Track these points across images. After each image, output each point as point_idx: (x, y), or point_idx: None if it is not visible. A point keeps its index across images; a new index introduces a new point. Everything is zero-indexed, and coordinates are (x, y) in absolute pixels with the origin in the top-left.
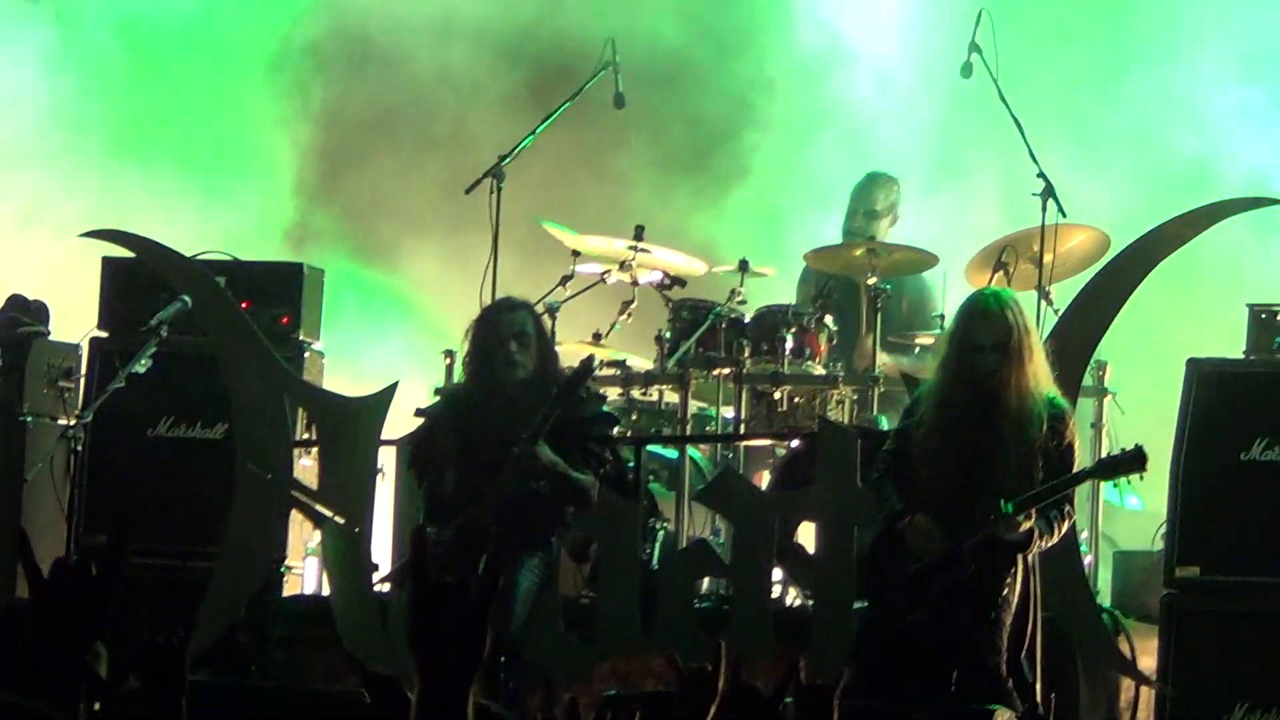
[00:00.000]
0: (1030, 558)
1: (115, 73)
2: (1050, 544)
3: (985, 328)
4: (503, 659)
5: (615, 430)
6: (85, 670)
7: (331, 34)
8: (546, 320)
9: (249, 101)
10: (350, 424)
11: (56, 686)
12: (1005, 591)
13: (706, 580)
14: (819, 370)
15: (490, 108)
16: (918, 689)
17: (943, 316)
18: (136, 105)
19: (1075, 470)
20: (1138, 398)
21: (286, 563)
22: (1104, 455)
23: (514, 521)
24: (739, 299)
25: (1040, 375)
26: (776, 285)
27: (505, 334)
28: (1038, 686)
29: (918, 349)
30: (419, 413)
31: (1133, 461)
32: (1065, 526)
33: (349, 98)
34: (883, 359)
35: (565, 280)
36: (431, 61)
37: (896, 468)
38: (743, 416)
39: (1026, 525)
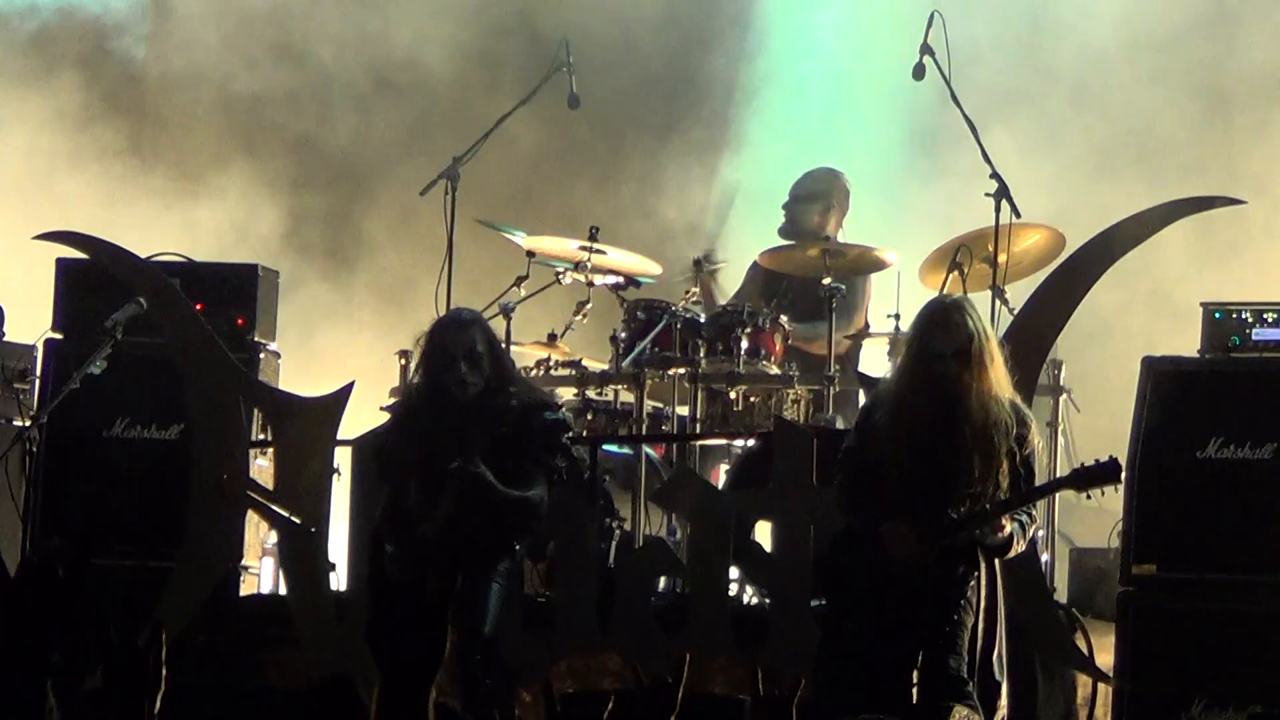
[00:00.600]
0: (995, 561)
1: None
2: (1019, 550)
3: (945, 336)
4: (478, 658)
5: (569, 434)
6: (52, 669)
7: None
8: (500, 323)
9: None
10: (306, 424)
11: (20, 684)
12: (969, 594)
13: (663, 579)
14: (774, 370)
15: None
16: (877, 693)
17: (897, 316)
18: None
19: (1049, 479)
20: (1094, 396)
21: (243, 562)
22: (1080, 465)
23: (475, 527)
24: (693, 299)
25: (1002, 380)
26: (730, 282)
27: (455, 353)
28: (1004, 687)
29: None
30: (386, 409)
31: (1107, 473)
32: (1031, 532)
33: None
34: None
35: (520, 281)
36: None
37: (858, 470)
38: (699, 416)
39: (1008, 529)
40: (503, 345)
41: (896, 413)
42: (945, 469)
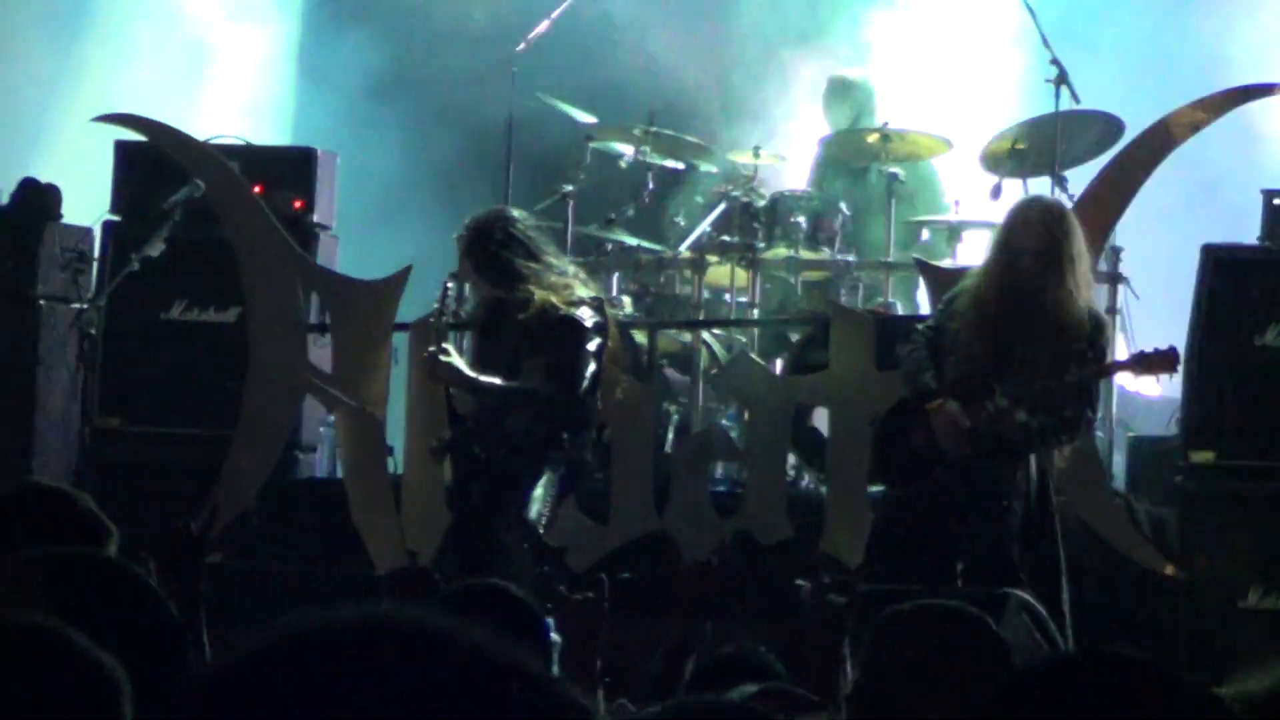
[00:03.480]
0: (1045, 456)
1: None
2: (1066, 443)
3: (1028, 234)
4: (525, 545)
5: (593, 323)
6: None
7: None
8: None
9: None
10: (364, 308)
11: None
12: (1017, 479)
13: (720, 465)
14: (833, 256)
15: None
16: (926, 573)
17: (957, 203)
18: None
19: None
20: (1152, 283)
21: (301, 445)
22: (1139, 350)
23: (494, 416)
24: (752, 184)
25: (1082, 284)
26: (788, 171)
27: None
28: (1064, 578)
29: (926, 233)
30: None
31: (1165, 360)
32: (1085, 426)
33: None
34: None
35: (578, 165)
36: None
37: (930, 345)
38: (757, 301)
39: (1020, 418)
40: (534, 246)
41: (976, 302)
42: (1012, 361)
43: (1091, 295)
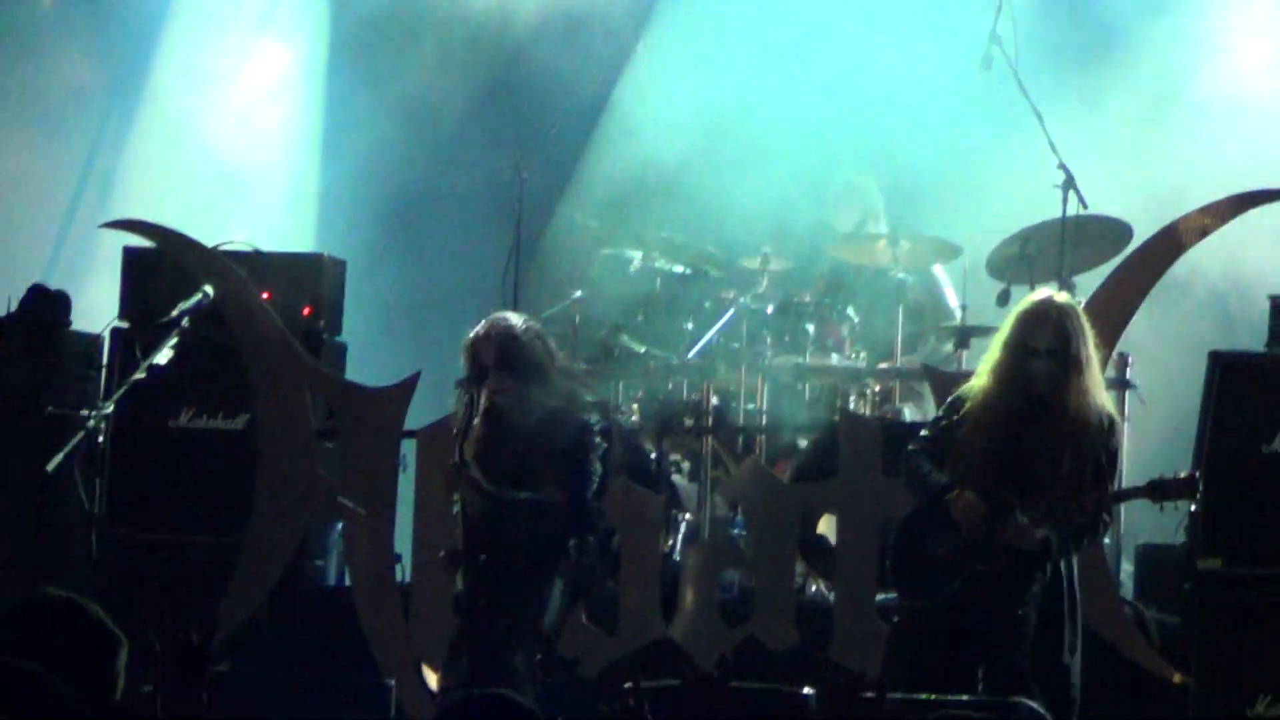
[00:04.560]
0: (1072, 565)
1: None
2: (1079, 554)
3: (1042, 333)
4: (539, 657)
5: (600, 428)
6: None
7: None
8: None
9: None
10: (372, 414)
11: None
12: (1035, 588)
13: (728, 572)
14: (841, 362)
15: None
16: (944, 681)
17: (964, 308)
18: None
19: (1120, 484)
20: (1160, 391)
21: (310, 553)
22: (1159, 477)
23: (508, 526)
24: (760, 290)
25: (1096, 382)
26: (795, 278)
27: (485, 363)
28: (1076, 685)
29: (932, 341)
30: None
31: (1183, 488)
32: (1103, 532)
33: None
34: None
35: (586, 270)
36: None
37: (936, 454)
38: (764, 408)
39: (1040, 534)
40: (539, 345)
41: (985, 404)
42: (1029, 465)
43: (1104, 397)
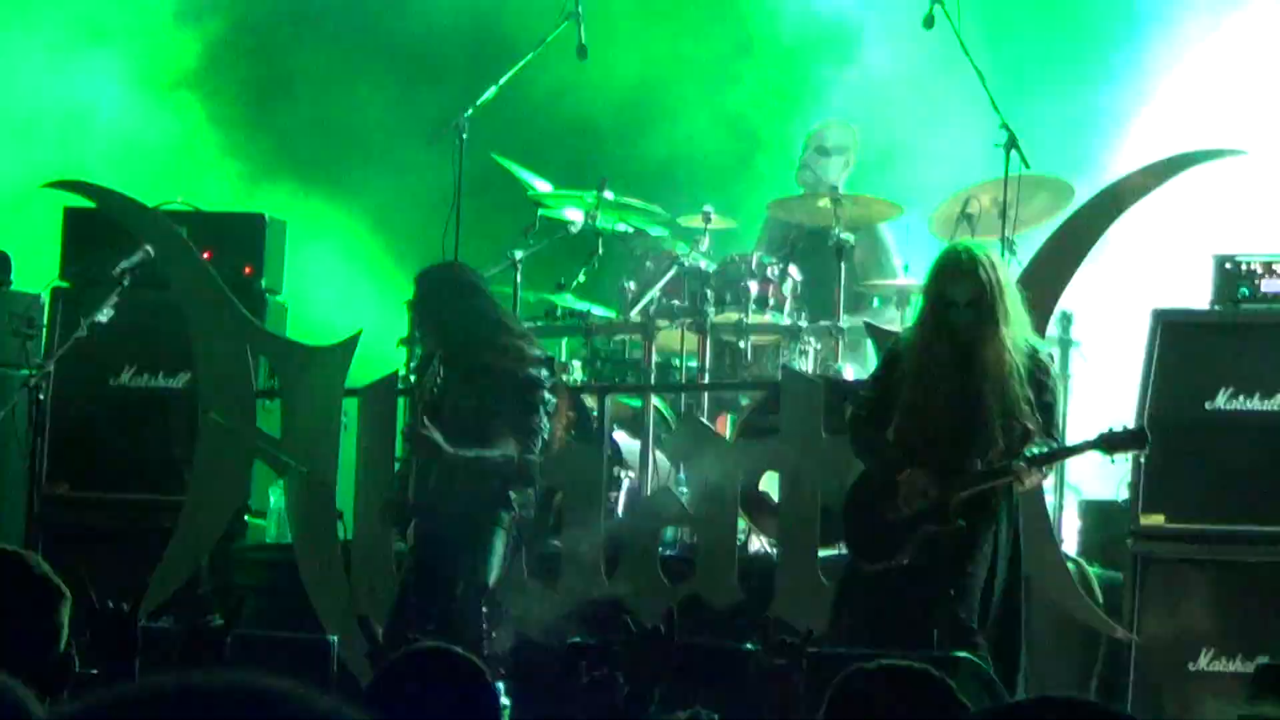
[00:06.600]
0: (1015, 516)
1: None
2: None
3: (957, 284)
4: (485, 610)
5: (544, 389)
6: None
7: None
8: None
9: None
10: (314, 373)
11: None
12: (984, 546)
13: (670, 529)
14: (783, 320)
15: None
16: (896, 641)
17: (908, 268)
18: None
19: (1068, 441)
20: (1102, 348)
21: (249, 511)
22: (1108, 430)
23: (456, 484)
24: (702, 248)
25: (1018, 328)
26: (738, 236)
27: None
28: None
29: (876, 300)
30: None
31: (1133, 440)
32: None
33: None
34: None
35: (528, 230)
36: None
37: (878, 416)
38: (707, 366)
39: (1034, 479)
40: (484, 299)
41: (917, 360)
42: (964, 416)
43: (1035, 343)
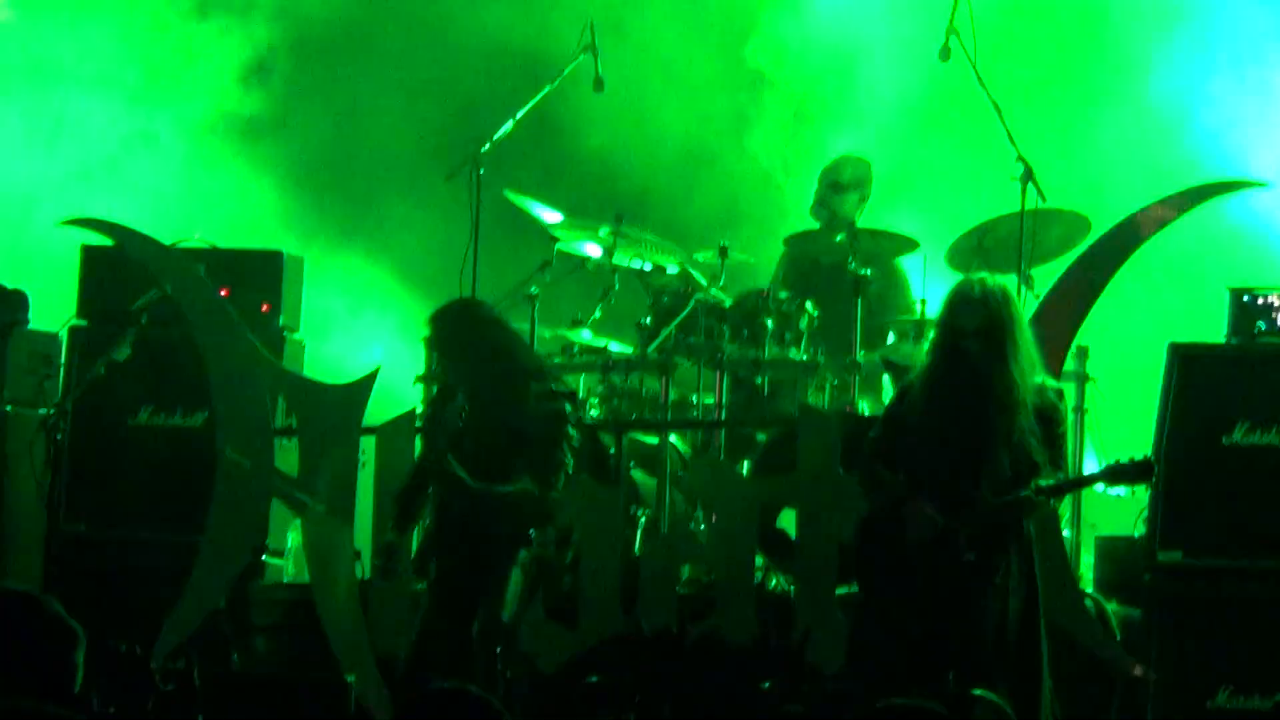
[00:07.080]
0: (1027, 548)
1: None
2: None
3: (967, 314)
4: (498, 650)
5: (568, 424)
6: None
7: None
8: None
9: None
10: (331, 412)
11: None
12: (997, 580)
13: (688, 567)
14: (800, 356)
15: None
16: (911, 677)
17: (924, 302)
18: None
19: (1080, 472)
20: (1119, 382)
21: (267, 550)
22: (1115, 462)
23: (476, 519)
24: (719, 284)
25: (1026, 363)
26: (755, 272)
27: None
28: (1045, 676)
29: (891, 335)
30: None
31: (1140, 472)
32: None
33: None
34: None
35: (544, 266)
36: None
37: (886, 452)
38: (723, 402)
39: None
40: (505, 333)
41: (928, 392)
42: (972, 446)
43: (1040, 370)
